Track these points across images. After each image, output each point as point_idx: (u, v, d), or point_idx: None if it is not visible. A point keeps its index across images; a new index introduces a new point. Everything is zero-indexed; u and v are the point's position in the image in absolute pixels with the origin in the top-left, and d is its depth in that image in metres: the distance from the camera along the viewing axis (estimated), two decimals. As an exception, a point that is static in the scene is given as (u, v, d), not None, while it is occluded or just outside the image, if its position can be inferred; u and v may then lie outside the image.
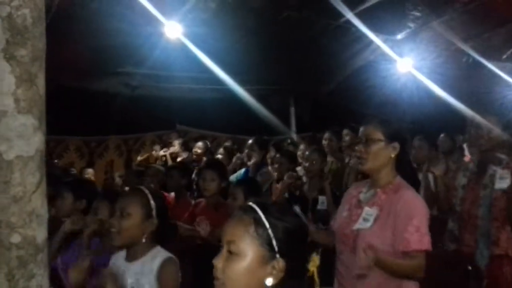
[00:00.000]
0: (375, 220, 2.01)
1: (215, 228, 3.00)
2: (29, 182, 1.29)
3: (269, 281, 1.26)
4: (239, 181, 3.65)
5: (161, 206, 2.15)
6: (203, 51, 5.37)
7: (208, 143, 6.67)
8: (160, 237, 2.13)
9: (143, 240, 2.07)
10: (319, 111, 9.25)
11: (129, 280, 2.04)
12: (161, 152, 7.11)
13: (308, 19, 5.63)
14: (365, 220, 2.04)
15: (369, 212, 2.06)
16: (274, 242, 1.27)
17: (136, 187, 2.34)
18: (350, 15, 5.41)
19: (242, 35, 5.55)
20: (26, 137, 1.26)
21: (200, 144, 6.16)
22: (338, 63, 7.09)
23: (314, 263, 1.43)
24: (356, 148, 2.15)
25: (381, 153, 2.07)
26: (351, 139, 5.49)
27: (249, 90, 7.26)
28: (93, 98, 6.58)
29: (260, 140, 5.38)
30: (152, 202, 2.10)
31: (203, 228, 3.12)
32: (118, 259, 2.13)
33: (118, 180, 5.81)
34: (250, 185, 3.33)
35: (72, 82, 5.51)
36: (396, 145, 2.08)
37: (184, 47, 5.18)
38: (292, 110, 8.97)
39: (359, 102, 8.22)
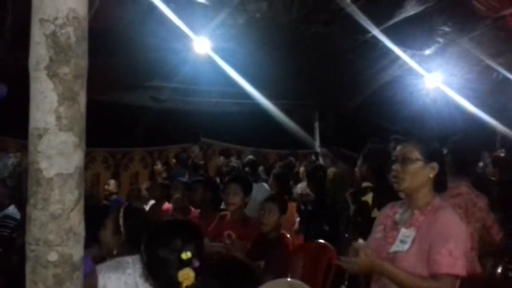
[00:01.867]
0: (413, 242, 1.95)
1: (242, 242, 2.98)
2: (68, 199, 1.28)
3: None
4: (235, 178, 3.61)
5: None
6: (230, 65, 5.40)
7: None
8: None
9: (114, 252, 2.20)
10: (344, 126, 9.19)
11: None
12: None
13: (335, 35, 5.62)
14: (402, 242, 1.98)
15: (406, 233, 1.99)
16: None
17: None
18: (376, 32, 5.39)
19: (269, 50, 5.57)
20: (67, 155, 1.26)
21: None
22: (365, 78, 7.05)
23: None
24: (393, 167, 2.09)
25: (419, 173, 2.01)
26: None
27: (274, 104, 7.28)
28: (121, 110, 6.68)
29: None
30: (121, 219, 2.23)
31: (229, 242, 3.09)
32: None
33: (144, 193, 5.84)
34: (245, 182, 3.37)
35: (102, 95, 5.60)
36: (435, 165, 2.02)
37: (212, 62, 5.23)
38: (317, 124, 8.95)
39: (385, 117, 8.14)
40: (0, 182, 5.50)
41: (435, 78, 6.46)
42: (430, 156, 2.02)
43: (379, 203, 2.98)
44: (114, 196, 6.25)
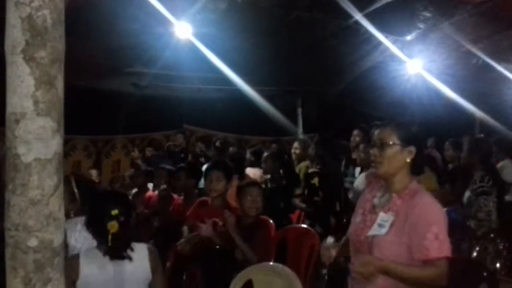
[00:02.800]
0: (391, 226, 1.97)
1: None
2: (47, 185, 1.27)
3: None
4: (217, 164, 3.64)
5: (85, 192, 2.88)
6: (212, 51, 5.36)
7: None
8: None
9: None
10: (327, 112, 9.23)
11: None
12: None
13: (317, 20, 5.59)
14: (380, 226, 2.00)
15: (384, 218, 2.01)
16: None
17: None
18: (359, 16, 5.38)
19: (251, 35, 5.52)
20: (45, 140, 1.25)
21: None
22: (347, 64, 7.06)
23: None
24: (371, 151, 2.10)
25: (396, 157, 2.03)
26: (361, 140, 5.49)
27: (256, 91, 7.26)
28: (101, 97, 6.58)
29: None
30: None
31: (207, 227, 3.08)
32: None
33: (128, 180, 5.80)
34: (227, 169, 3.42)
35: (81, 81, 5.50)
36: (412, 149, 2.03)
37: (193, 47, 5.18)
38: (299, 110, 8.96)
39: (367, 103, 8.20)
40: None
41: (416, 64, 6.51)
42: (407, 140, 2.03)
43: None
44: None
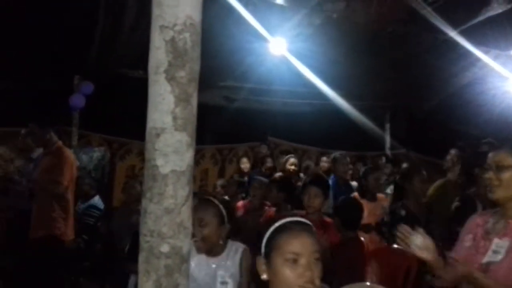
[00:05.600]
0: (507, 252, 1.88)
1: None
2: (180, 195, 1.36)
3: None
4: (315, 180, 3.58)
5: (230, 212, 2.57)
6: (305, 65, 5.41)
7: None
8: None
9: (220, 242, 2.47)
10: (416, 128, 8.90)
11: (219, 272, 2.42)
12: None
13: (413, 34, 5.45)
14: (496, 252, 1.91)
15: (500, 244, 1.92)
16: None
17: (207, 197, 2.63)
18: (457, 31, 5.17)
19: (345, 50, 5.50)
20: (181, 153, 1.34)
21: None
22: (441, 79, 6.78)
23: None
24: (486, 175, 2.01)
25: None
26: (458, 160, 5.24)
27: (344, 105, 7.19)
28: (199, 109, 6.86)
29: None
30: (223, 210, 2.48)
31: None
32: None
33: (219, 189, 5.99)
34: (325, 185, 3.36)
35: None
36: None
37: (287, 62, 5.26)
38: (388, 126, 8.74)
39: (462, 121, 7.79)
40: (86, 174, 5.91)
41: (520, 80, 6.11)
42: None
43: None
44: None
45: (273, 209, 4.08)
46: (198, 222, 2.36)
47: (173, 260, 1.36)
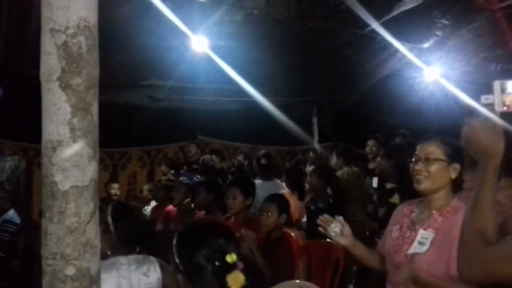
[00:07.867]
0: (431, 243, 1.94)
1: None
2: (84, 212, 1.26)
3: None
4: (234, 181, 3.59)
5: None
6: (228, 63, 5.36)
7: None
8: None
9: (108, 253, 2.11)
10: (342, 121, 9.18)
11: None
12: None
13: (333, 29, 5.57)
14: (420, 243, 1.96)
15: (425, 235, 1.97)
16: None
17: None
18: (375, 25, 5.35)
19: (267, 46, 5.52)
20: (81, 167, 1.23)
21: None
22: (363, 72, 7.01)
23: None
24: (414, 166, 2.04)
25: (441, 174, 1.98)
26: (377, 150, 5.46)
27: (272, 101, 7.24)
28: (117, 110, 6.62)
29: None
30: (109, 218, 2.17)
31: None
32: None
33: (146, 194, 5.80)
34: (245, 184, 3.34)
35: (101, 96, 5.52)
36: (457, 166, 1.99)
37: (209, 60, 5.18)
38: (315, 120, 8.93)
39: (384, 111, 8.14)
40: (-1, 186, 5.46)
41: (434, 71, 6.45)
42: (452, 157, 1.99)
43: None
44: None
45: (202, 212, 4.00)
46: None
47: (81, 283, 1.26)
